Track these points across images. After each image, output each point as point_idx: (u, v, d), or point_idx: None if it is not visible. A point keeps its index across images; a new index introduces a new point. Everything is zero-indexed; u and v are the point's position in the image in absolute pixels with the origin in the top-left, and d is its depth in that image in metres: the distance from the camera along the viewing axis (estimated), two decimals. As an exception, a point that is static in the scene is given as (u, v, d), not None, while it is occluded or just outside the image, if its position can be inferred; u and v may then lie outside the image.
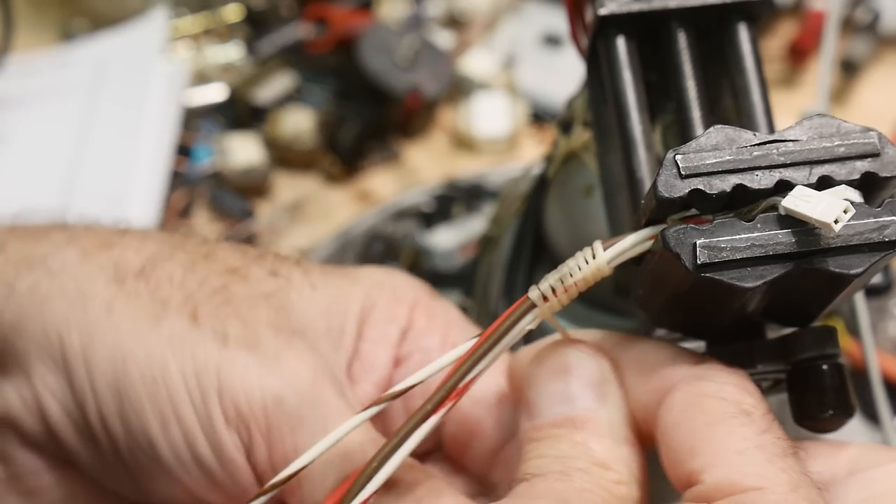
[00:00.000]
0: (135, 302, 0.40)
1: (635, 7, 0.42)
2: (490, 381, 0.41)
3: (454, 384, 0.36)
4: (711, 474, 0.33)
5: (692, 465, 0.33)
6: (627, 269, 0.38)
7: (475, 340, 0.37)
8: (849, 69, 0.91)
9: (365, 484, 0.36)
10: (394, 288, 0.46)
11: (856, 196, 0.34)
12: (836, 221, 0.32)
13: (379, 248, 0.81)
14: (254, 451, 0.39)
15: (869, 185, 0.35)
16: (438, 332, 0.45)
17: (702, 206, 0.34)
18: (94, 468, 0.41)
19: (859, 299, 0.58)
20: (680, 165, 0.34)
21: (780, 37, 0.94)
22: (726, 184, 0.34)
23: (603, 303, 0.52)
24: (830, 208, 0.32)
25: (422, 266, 0.79)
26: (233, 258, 0.43)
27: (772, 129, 0.41)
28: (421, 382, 0.37)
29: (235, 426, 0.39)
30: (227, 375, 0.39)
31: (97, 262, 0.41)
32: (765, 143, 0.35)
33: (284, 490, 0.38)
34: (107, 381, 0.39)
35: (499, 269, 0.61)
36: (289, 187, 0.89)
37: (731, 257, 0.33)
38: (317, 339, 0.42)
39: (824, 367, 0.37)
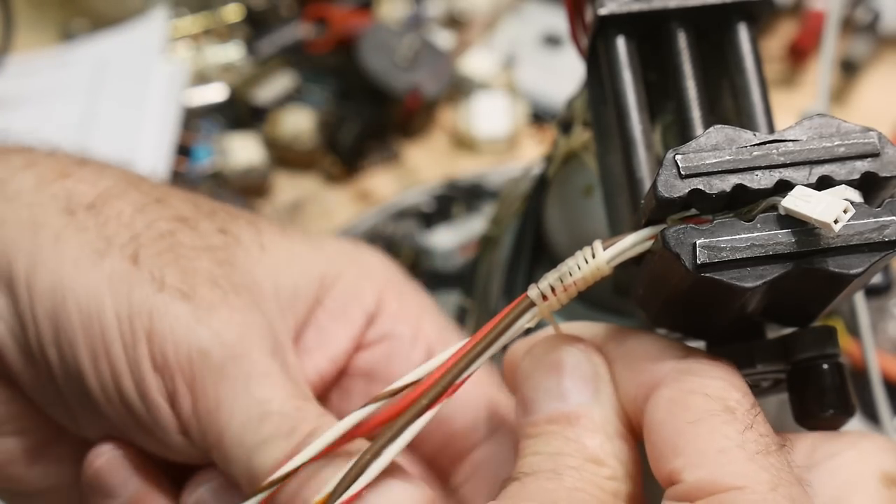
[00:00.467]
0: (81, 235, 0.40)
1: (635, 7, 0.42)
2: (471, 383, 0.41)
3: (451, 381, 0.36)
4: (692, 473, 0.33)
5: (674, 464, 0.33)
6: (627, 269, 0.38)
7: (471, 338, 0.37)
8: (849, 69, 0.91)
9: (357, 476, 0.36)
10: (363, 263, 0.45)
11: (856, 196, 0.34)
12: (835, 221, 0.32)
13: (379, 248, 0.81)
14: (178, 399, 0.39)
15: (869, 185, 0.34)
16: (411, 320, 0.44)
17: (702, 206, 0.34)
18: (33, 391, 0.41)
19: (859, 299, 0.58)
20: (680, 165, 0.34)
21: (780, 37, 0.94)
22: (726, 184, 0.34)
23: (603, 303, 0.52)
24: (830, 208, 0.32)
25: (422, 266, 0.79)
26: (185, 208, 0.43)
27: (772, 129, 0.41)
28: (418, 381, 0.37)
29: (161, 372, 0.39)
30: (159, 321, 0.39)
31: (51, 191, 0.41)
32: (765, 143, 0.35)
33: (206, 445, 0.39)
34: (45, 309, 0.39)
35: (499, 269, 0.61)
36: (289, 187, 0.89)
37: (730, 257, 0.33)
38: (261, 299, 0.41)
39: (824, 366, 0.37)
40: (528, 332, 0.38)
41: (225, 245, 0.42)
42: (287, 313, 0.42)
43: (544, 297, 0.37)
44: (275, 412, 0.38)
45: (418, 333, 0.44)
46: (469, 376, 0.37)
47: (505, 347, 0.38)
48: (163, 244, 0.40)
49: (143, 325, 0.39)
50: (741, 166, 0.34)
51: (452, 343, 0.38)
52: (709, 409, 0.34)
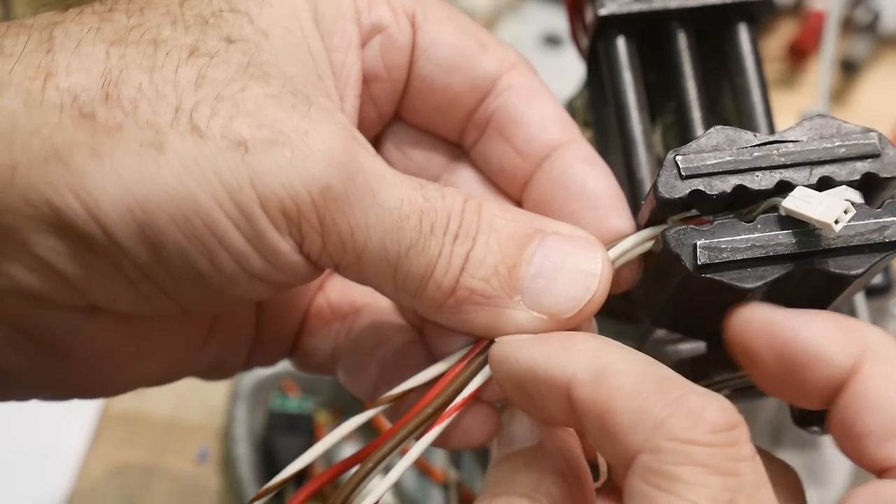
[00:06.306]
0: (121, 137, 0.33)
1: (635, 7, 0.42)
2: None
3: (455, 391, 0.35)
4: None
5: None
6: (628, 270, 0.38)
7: (478, 343, 0.36)
8: (849, 69, 0.91)
9: (358, 484, 0.34)
10: None
11: (856, 197, 0.34)
12: (836, 222, 0.32)
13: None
14: (306, 246, 0.36)
15: (869, 186, 0.35)
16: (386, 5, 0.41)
17: (702, 207, 0.34)
18: (142, 312, 0.37)
19: (859, 299, 0.58)
20: (680, 166, 0.34)
21: (780, 37, 0.94)
22: (727, 184, 0.34)
23: (604, 306, 0.52)
24: (831, 209, 0.32)
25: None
26: (154, 28, 0.36)
27: (772, 130, 0.41)
28: (422, 385, 0.37)
29: (287, 231, 0.35)
30: (264, 184, 0.34)
31: (50, 102, 0.33)
32: (765, 143, 0.35)
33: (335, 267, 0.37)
34: (131, 235, 0.34)
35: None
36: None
37: (731, 258, 0.33)
38: (297, 80, 0.37)
39: (825, 367, 0.37)
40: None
41: (237, 36, 0.36)
42: (323, 78, 0.39)
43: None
44: (408, 213, 0.36)
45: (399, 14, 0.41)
46: (478, 390, 0.36)
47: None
48: (204, 94, 0.34)
49: (251, 197, 0.34)
50: (742, 167, 0.34)
51: None
52: None
